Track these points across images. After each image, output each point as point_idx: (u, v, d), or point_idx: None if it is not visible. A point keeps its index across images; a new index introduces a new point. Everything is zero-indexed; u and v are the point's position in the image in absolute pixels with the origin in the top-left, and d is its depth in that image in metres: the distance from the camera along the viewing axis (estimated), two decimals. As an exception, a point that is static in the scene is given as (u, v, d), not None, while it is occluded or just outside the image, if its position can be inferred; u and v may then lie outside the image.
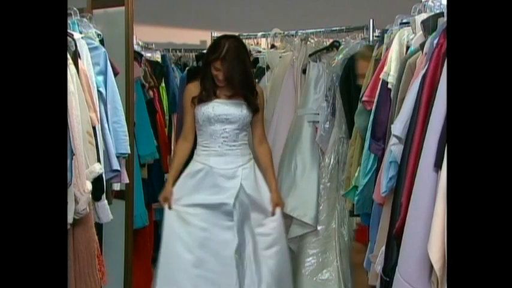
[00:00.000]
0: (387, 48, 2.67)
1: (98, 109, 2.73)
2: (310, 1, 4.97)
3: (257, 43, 4.38)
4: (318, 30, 3.78)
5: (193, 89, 3.25)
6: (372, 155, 2.62)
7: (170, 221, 3.17)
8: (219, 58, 3.12)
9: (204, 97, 3.19)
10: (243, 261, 3.12)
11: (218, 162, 3.19)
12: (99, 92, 2.81)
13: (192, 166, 3.22)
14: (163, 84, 4.17)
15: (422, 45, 2.14)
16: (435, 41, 1.86)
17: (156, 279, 3.14)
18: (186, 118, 3.29)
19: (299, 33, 3.96)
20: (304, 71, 3.77)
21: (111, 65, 2.91)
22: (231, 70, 3.12)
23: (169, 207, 3.16)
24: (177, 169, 3.26)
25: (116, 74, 2.96)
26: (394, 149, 2.06)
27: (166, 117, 4.37)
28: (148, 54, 4.17)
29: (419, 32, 2.32)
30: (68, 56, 2.40)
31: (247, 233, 3.15)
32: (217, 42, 3.22)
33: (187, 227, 3.13)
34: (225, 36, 3.25)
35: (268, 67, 4.00)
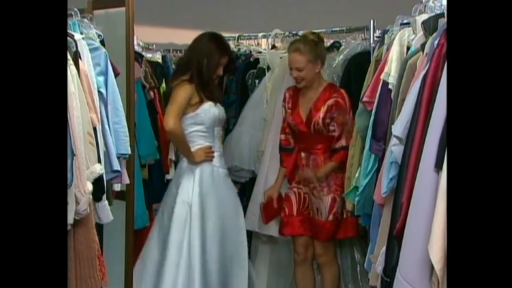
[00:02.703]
0: (388, 49, 2.67)
1: (98, 110, 2.73)
2: (310, 1, 4.96)
3: (258, 44, 4.38)
4: (319, 30, 3.77)
5: (191, 90, 3.36)
6: (373, 156, 2.62)
7: None
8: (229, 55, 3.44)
9: (207, 98, 3.35)
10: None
11: (221, 162, 3.44)
12: (99, 92, 2.80)
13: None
14: (163, 85, 4.16)
15: (423, 46, 2.14)
16: (436, 42, 1.87)
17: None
18: (179, 109, 3.34)
19: (300, 34, 3.96)
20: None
21: (112, 65, 2.90)
22: None
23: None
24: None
25: (116, 74, 2.96)
26: (395, 149, 2.06)
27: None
28: (149, 55, 4.16)
29: (420, 33, 2.32)
30: (69, 57, 2.40)
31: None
32: (220, 39, 3.40)
33: None
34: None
35: (268, 68, 4.00)
